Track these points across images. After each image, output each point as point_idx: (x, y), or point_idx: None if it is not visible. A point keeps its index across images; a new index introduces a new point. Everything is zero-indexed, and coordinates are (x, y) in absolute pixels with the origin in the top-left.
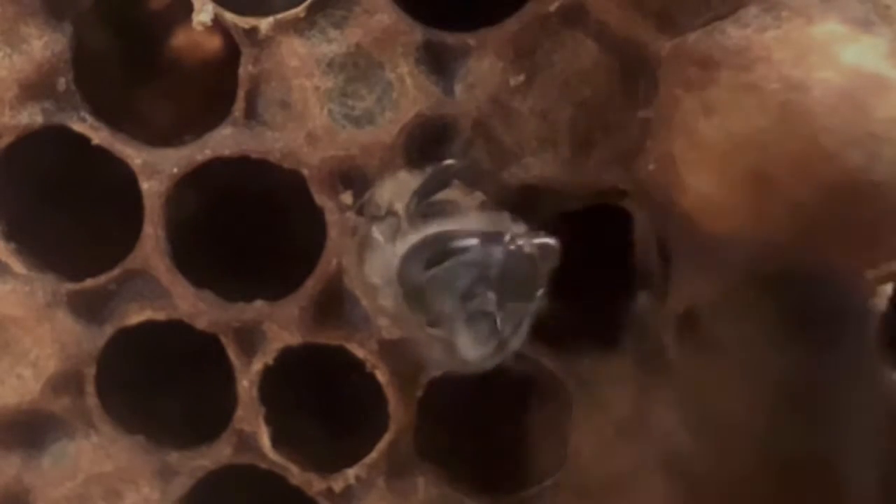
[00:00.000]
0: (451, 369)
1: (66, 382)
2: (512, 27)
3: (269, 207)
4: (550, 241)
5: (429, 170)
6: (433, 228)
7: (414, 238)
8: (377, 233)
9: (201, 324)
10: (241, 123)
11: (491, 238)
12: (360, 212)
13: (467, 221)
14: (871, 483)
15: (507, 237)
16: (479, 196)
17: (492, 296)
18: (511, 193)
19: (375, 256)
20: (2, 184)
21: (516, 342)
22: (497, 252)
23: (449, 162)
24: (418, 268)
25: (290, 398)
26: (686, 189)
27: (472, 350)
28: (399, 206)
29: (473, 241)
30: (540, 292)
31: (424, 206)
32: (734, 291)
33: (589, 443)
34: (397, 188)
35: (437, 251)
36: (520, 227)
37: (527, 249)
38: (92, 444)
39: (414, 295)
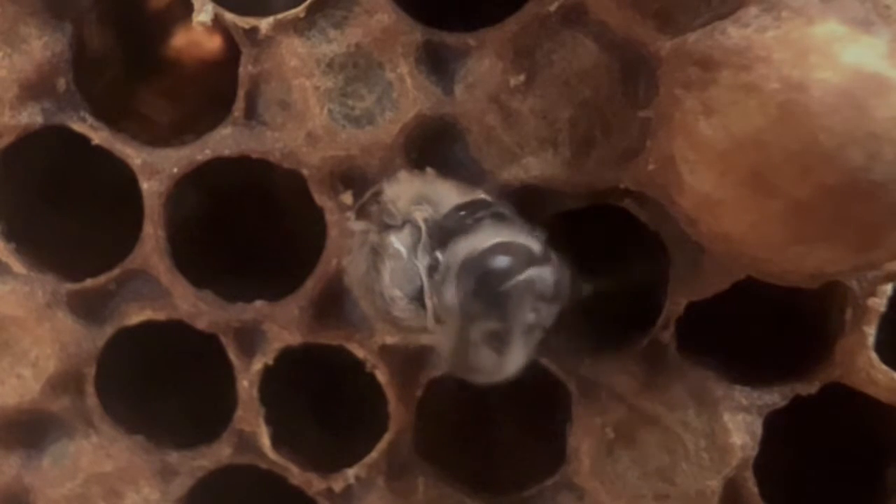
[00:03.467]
0: (481, 379)
1: (65, 382)
2: (512, 27)
3: (269, 207)
4: (577, 276)
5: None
6: (467, 240)
7: (462, 255)
8: (397, 244)
9: (201, 324)
10: (241, 123)
11: (542, 258)
12: (360, 213)
13: (509, 234)
14: None
15: (555, 258)
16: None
17: (544, 310)
18: (511, 193)
19: (396, 268)
20: (2, 184)
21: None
22: (553, 272)
23: (486, 198)
24: (482, 281)
25: (290, 398)
26: (686, 189)
27: (517, 363)
28: (418, 216)
29: (528, 258)
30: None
31: (446, 219)
32: None
33: (589, 443)
34: (410, 194)
35: (495, 265)
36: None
37: (570, 275)
38: (92, 444)
39: (481, 306)
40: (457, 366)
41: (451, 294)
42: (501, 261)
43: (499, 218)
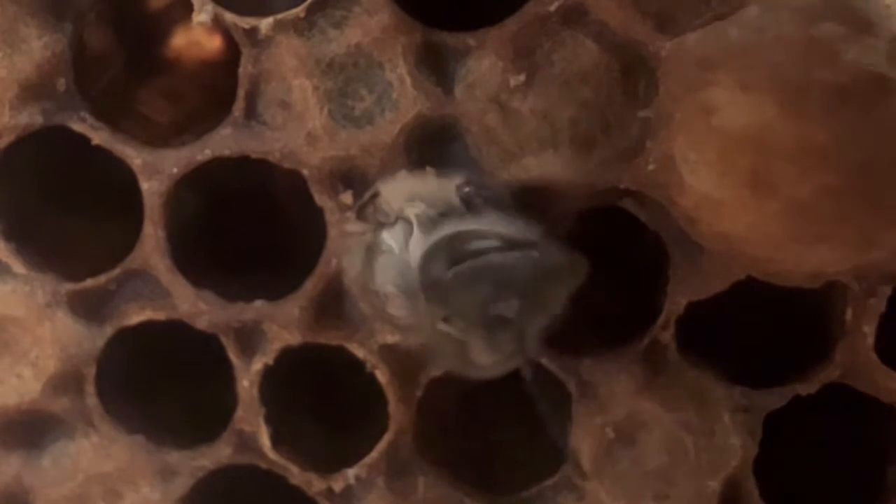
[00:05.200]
0: (462, 372)
1: (66, 382)
2: (512, 27)
3: (269, 207)
4: (580, 257)
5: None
6: (453, 227)
7: (434, 237)
8: (390, 240)
9: (201, 324)
10: (241, 123)
11: (522, 244)
12: (359, 215)
13: (492, 222)
14: None
15: (539, 246)
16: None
17: (514, 303)
18: (511, 194)
19: (389, 264)
20: (2, 184)
21: (531, 351)
22: (527, 260)
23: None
24: (441, 263)
25: (290, 398)
26: (686, 189)
27: (485, 355)
28: (410, 212)
29: (503, 245)
30: (562, 305)
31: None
32: None
33: (589, 443)
34: (404, 193)
35: (463, 248)
36: (539, 233)
37: (558, 262)
38: (92, 443)
39: (434, 290)
40: (432, 353)
41: (415, 277)
42: (454, 244)
43: (498, 208)
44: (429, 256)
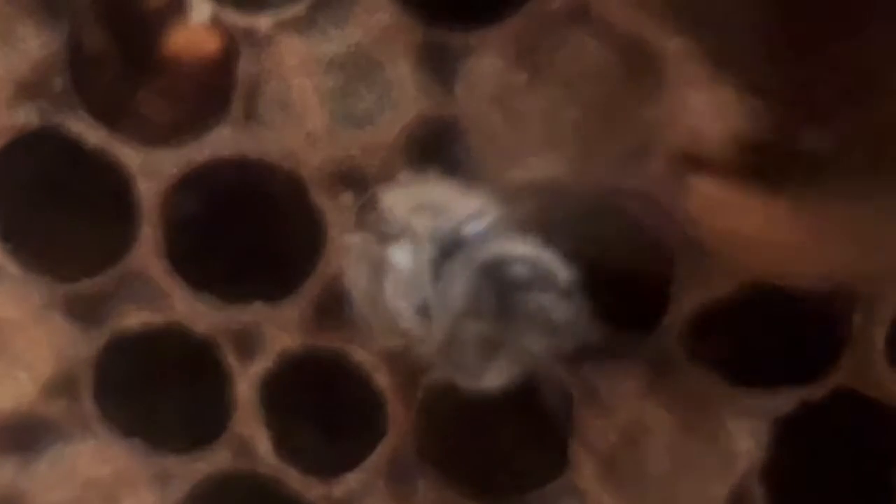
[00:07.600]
0: (469, 385)
1: (62, 386)
2: (514, 26)
3: (269, 208)
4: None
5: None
6: (487, 245)
7: (475, 251)
8: (398, 255)
9: (199, 326)
10: (240, 123)
11: (565, 292)
12: (359, 222)
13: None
14: None
15: (575, 297)
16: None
17: (543, 345)
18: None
19: (400, 281)
20: None
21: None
22: (564, 310)
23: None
24: (487, 282)
25: (289, 401)
26: (691, 190)
27: (500, 378)
28: (417, 225)
29: (543, 277)
30: None
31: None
32: None
33: (590, 447)
34: (407, 202)
35: (509, 277)
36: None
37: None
38: (89, 447)
39: (477, 307)
40: (440, 358)
41: (457, 289)
42: (522, 273)
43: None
44: (482, 277)
